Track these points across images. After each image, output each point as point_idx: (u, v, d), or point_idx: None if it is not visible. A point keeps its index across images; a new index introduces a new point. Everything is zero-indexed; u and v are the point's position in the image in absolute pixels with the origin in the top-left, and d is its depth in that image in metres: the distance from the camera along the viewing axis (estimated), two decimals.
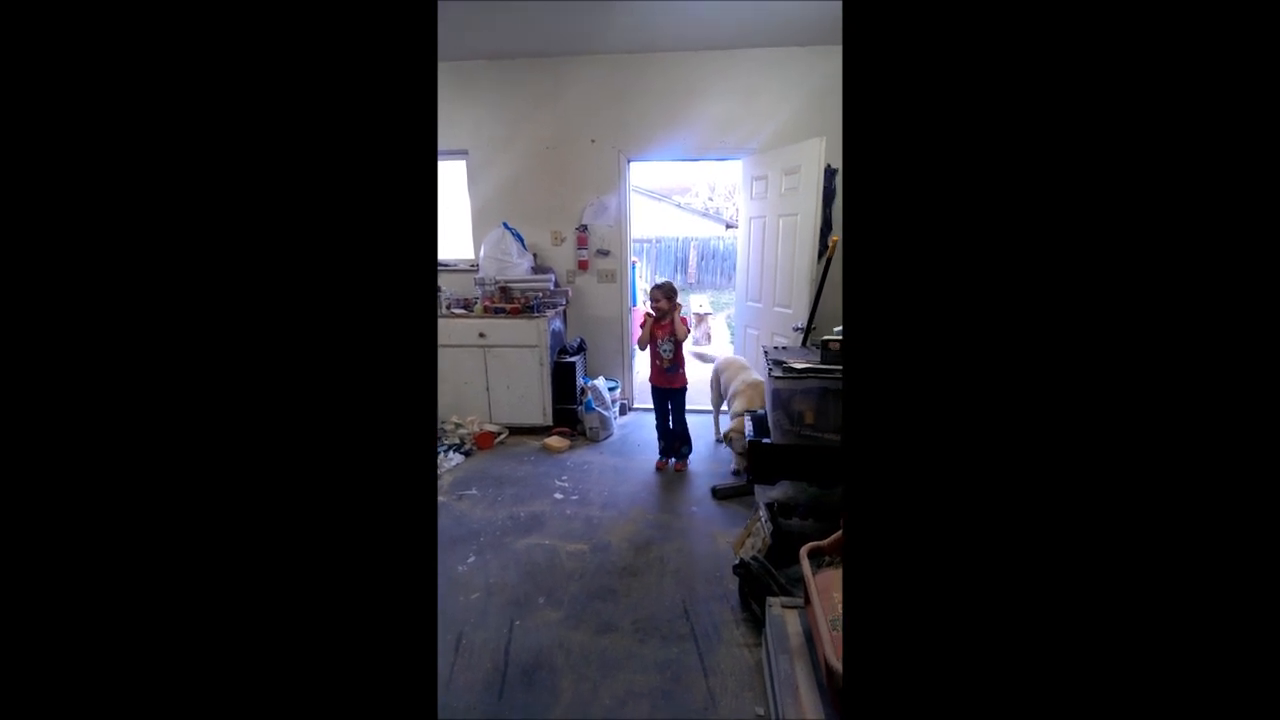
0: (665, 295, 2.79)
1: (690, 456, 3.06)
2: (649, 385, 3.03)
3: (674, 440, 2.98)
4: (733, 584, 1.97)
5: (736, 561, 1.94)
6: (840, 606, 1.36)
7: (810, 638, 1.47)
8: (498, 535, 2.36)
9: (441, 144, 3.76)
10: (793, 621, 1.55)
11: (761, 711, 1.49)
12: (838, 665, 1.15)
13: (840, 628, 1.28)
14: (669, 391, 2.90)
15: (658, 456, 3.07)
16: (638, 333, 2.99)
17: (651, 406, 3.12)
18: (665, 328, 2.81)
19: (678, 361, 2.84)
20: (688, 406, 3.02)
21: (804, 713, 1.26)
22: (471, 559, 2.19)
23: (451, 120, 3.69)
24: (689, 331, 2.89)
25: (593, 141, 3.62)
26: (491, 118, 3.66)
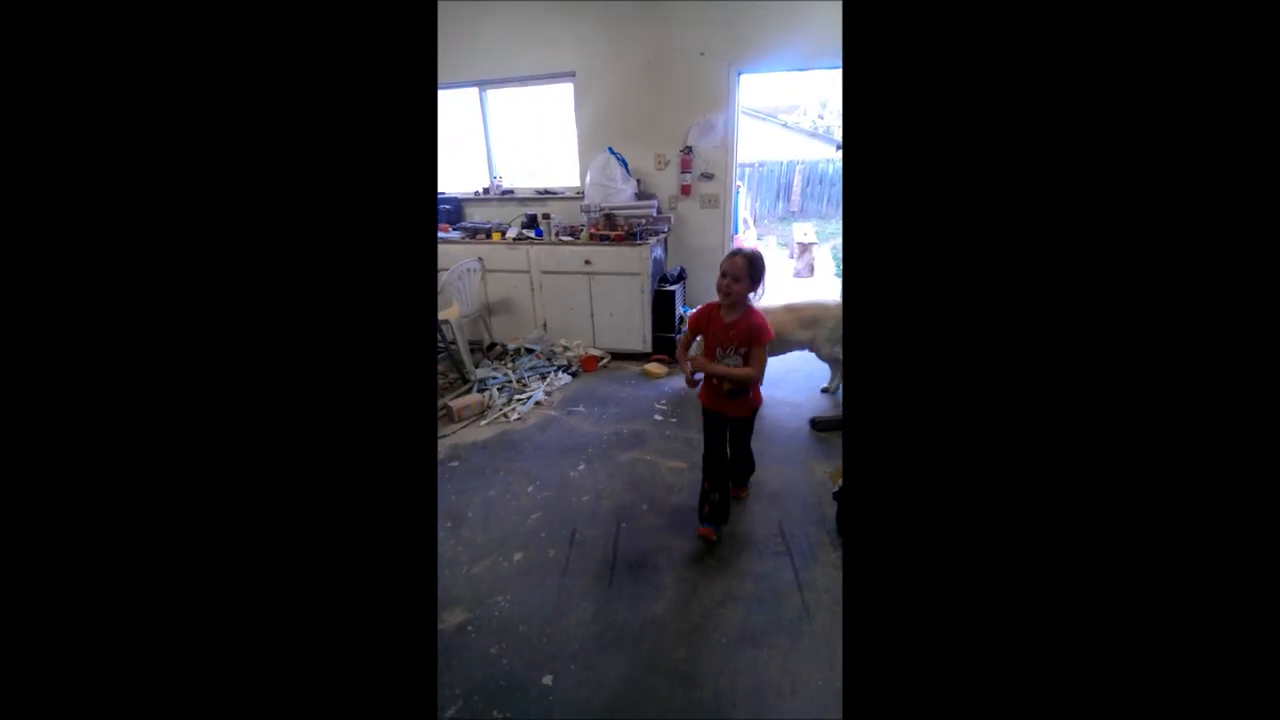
0: (749, 271, 1.62)
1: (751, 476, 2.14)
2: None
3: (733, 466, 1.99)
4: (830, 510, 2.01)
5: (835, 489, 1.96)
6: None
7: None
8: (604, 449, 2.55)
9: (547, 66, 3.75)
10: None
11: None
12: None
13: None
14: (727, 419, 1.84)
15: (698, 508, 1.93)
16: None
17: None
18: (729, 330, 1.67)
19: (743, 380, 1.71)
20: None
21: None
22: (581, 467, 2.40)
23: (557, 40, 3.64)
24: (766, 339, 1.66)
25: (701, 54, 3.42)
26: (597, 34, 3.56)
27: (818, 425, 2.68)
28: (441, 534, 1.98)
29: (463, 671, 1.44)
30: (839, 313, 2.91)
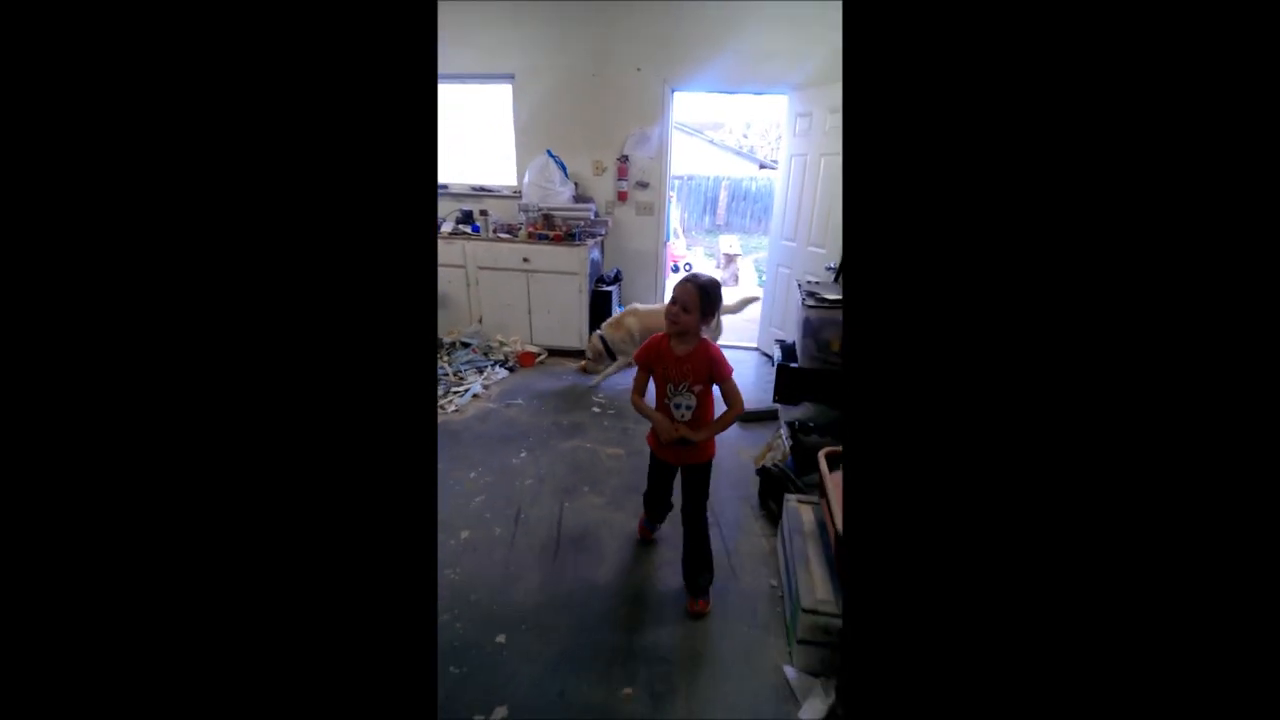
0: (700, 299, 1.45)
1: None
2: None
3: (691, 569, 1.66)
4: (753, 488, 2.24)
5: (758, 468, 2.20)
6: None
7: (822, 526, 1.73)
8: (544, 437, 2.64)
9: (488, 67, 3.79)
10: (806, 513, 1.81)
11: (775, 583, 1.78)
12: None
13: None
14: (675, 470, 1.69)
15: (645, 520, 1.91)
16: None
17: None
18: (682, 363, 1.50)
19: (700, 421, 1.55)
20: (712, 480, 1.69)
21: (814, 581, 1.52)
22: (524, 454, 2.48)
23: (498, 43, 3.70)
24: (730, 371, 1.52)
25: (638, 70, 3.62)
26: (538, 40, 3.67)
27: (741, 417, 2.93)
28: None
29: None
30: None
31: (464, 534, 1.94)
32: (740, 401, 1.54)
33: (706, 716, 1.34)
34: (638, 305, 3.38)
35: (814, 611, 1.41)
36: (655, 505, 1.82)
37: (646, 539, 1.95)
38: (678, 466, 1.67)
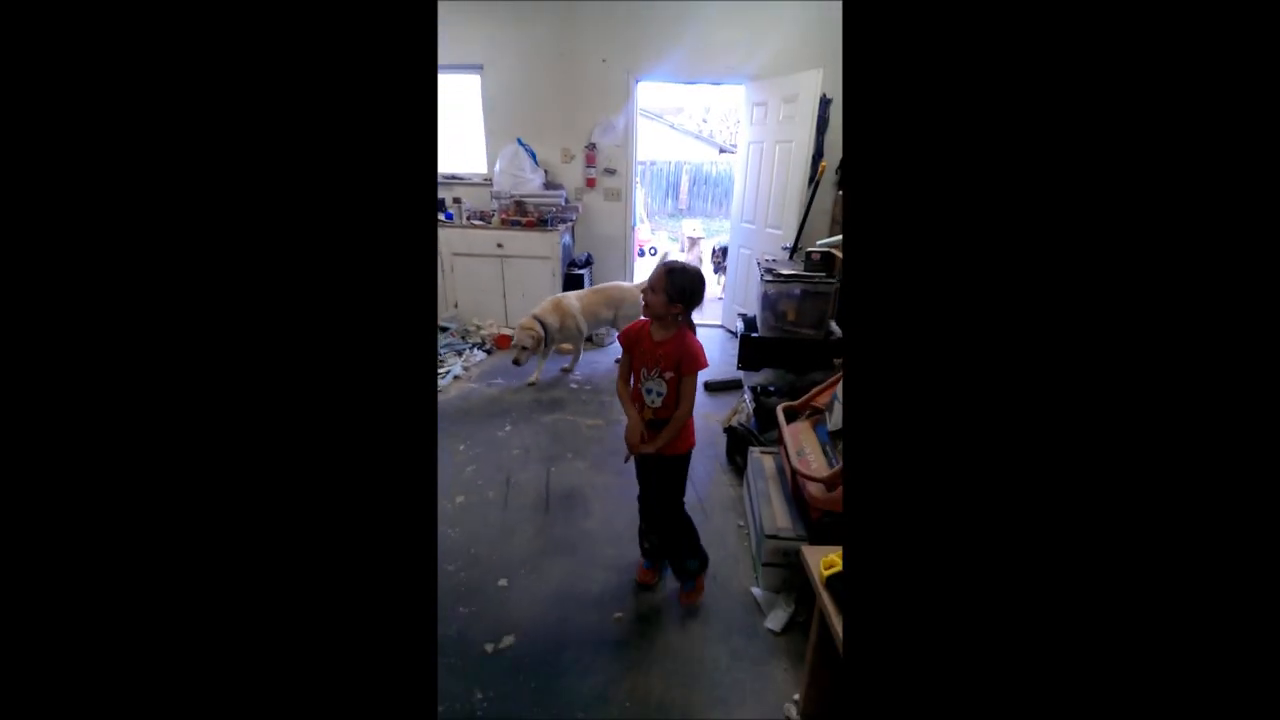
0: (665, 280, 1.43)
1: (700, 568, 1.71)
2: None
3: (668, 548, 1.69)
4: (721, 447, 2.47)
5: (724, 428, 2.43)
6: (803, 444, 1.85)
7: (781, 472, 1.97)
8: (527, 412, 2.81)
9: (457, 58, 3.86)
10: (768, 461, 2.05)
11: (741, 523, 2.02)
12: (801, 469, 1.64)
13: (804, 455, 1.77)
14: (652, 460, 1.56)
15: (641, 559, 1.76)
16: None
17: None
18: (657, 349, 1.48)
19: (667, 411, 1.50)
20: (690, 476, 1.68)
21: (775, 514, 1.76)
22: (508, 428, 2.65)
23: (466, 35, 3.77)
24: (698, 367, 1.48)
25: (603, 61, 3.76)
26: (506, 31, 3.75)
27: (710, 387, 3.17)
28: None
29: None
30: (635, 294, 3.43)
31: (459, 499, 2.11)
32: (688, 406, 1.49)
33: (686, 628, 1.57)
34: (570, 294, 3.36)
35: (775, 537, 1.65)
36: (642, 499, 1.69)
37: (649, 583, 1.71)
38: (649, 458, 1.57)
